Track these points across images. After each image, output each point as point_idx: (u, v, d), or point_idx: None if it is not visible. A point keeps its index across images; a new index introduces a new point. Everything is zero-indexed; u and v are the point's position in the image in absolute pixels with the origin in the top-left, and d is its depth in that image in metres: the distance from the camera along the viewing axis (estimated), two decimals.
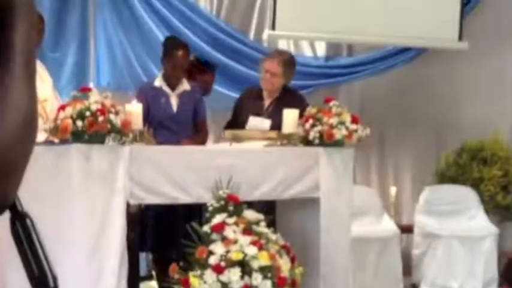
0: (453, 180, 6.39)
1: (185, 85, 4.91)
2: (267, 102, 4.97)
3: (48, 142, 3.68)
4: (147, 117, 4.58)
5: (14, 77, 0.80)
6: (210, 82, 5.65)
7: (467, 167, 6.38)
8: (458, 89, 6.85)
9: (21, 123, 0.80)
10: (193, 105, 4.94)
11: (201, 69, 5.65)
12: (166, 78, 4.87)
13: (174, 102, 4.88)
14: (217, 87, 5.93)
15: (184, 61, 4.86)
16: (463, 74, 6.83)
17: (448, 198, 6.19)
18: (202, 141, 4.89)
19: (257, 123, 4.83)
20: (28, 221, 0.87)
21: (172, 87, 4.87)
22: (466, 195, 6.20)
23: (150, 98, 4.77)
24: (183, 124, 4.89)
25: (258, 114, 4.87)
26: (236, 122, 4.93)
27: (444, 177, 6.48)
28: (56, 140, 3.71)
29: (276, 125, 4.62)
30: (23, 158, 0.81)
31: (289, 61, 4.99)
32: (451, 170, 6.45)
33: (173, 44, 4.92)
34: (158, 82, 4.88)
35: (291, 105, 4.57)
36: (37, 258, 0.86)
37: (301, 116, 4.48)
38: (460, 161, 6.43)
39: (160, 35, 6.07)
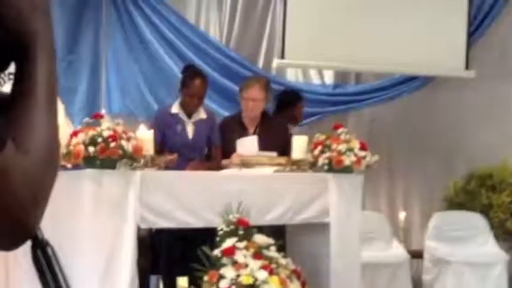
0: (462, 206, 6.38)
1: (201, 113, 4.93)
2: (250, 129, 5.01)
3: (60, 167, 3.73)
4: (163, 143, 4.64)
5: (37, 109, 0.82)
6: (301, 114, 5.88)
7: (476, 193, 6.37)
8: (467, 116, 6.87)
9: (45, 154, 0.81)
10: (208, 132, 4.96)
11: (292, 103, 5.81)
12: (184, 106, 4.89)
13: (190, 129, 4.90)
14: (225, 113, 5.97)
15: (202, 89, 4.87)
16: (471, 101, 6.85)
17: (457, 224, 6.18)
18: (213, 169, 4.78)
19: (247, 144, 4.86)
20: (49, 249, 0.86)
21: (189, 115, 4.90)
22: (476, 221, 6.19)
23: (167, 125, 4.82)
24: (197, 151, 4.91)
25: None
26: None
27: (453, 204, 6.47)
28: (68, 165, 3.76)
29: (268, 147, 4.75)
30: (46, 188, 0.82)
31: (267, 85, 5.09)
32: (459, 197, 6.45)
33: (191, 73, 4.94)
34: (175, 109, 4.90)
35: (274, 127, 4.90)
36: (58, 286, 0.86)
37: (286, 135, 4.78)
38: (469, 188, 6.43)
39: (170, 63, 6.16)
